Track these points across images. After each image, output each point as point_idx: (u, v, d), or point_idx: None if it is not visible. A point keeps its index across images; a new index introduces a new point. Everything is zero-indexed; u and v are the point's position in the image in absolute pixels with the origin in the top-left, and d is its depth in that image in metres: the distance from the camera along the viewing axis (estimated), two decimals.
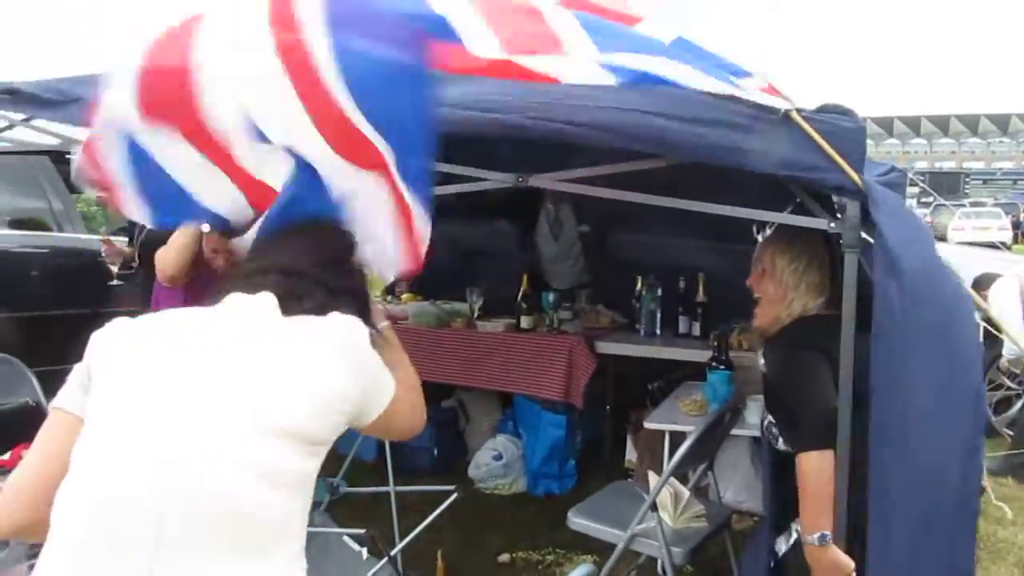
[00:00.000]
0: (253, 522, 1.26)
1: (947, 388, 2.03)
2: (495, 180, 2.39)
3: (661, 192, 2.32)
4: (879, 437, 2.00)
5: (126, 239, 4.29)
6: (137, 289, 3.80)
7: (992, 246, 7.74)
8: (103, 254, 4.12)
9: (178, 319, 1.47)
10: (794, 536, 2.34)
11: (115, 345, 1.38)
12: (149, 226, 2.28)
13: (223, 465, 1.25)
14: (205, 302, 1.52)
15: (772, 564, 2.47)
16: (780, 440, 2.44)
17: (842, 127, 2.00)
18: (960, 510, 2.06)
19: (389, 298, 5.39)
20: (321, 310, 1.50)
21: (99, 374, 1.35)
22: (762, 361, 2.45)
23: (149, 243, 3.45)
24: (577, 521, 3.00)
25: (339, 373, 1.40)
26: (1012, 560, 3.86)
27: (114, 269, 4.06)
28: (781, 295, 2.44)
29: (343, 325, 1.48)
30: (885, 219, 1.97)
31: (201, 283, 3.13)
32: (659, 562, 2.91)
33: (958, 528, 2.07)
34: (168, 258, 3.08)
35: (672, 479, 2.88)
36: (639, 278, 4.55)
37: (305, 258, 1.58)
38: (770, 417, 2.50)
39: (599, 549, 3.35)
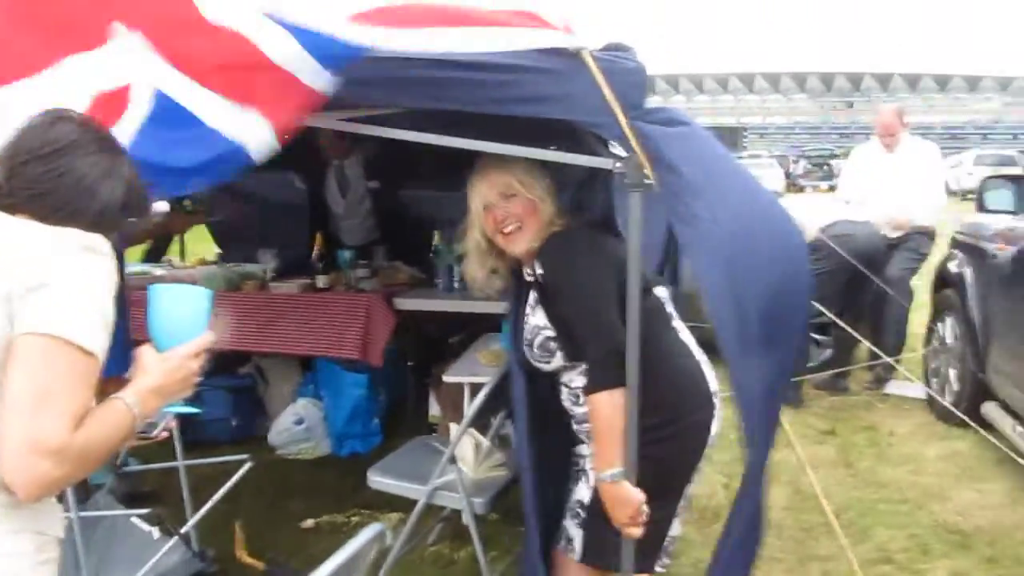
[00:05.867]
0: None
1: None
2: None
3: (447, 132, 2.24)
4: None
5: None
6: None
7: None
8: None
9: None
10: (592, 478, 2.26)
11: None
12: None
13: None
14: None
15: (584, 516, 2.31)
16: (556, 356, 2.28)
17: (625, 67, 2.04)
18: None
19: (175, 260, 5.05)
20: (30, 204, 1.41)
21: None
22: (540, 271, 2.28)
23: None
24: (376, 480, 2.96)
25: None
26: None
27: None
28: (539, 209, 2.30)
29: (32, 229, 1.38)
30: (663, 142, 2.04)
31: None
32: (463, 513, 2.93)
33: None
34: None
35: (472, 430, 2.90)
36: (435, 233, 4.53)
37: (10, 149, 1.45)
38: (548, 332, 2.28)
39: (405, 507, 3.32)
